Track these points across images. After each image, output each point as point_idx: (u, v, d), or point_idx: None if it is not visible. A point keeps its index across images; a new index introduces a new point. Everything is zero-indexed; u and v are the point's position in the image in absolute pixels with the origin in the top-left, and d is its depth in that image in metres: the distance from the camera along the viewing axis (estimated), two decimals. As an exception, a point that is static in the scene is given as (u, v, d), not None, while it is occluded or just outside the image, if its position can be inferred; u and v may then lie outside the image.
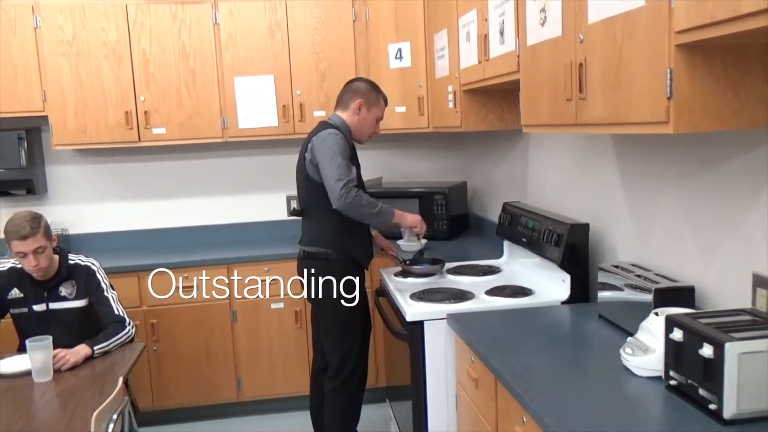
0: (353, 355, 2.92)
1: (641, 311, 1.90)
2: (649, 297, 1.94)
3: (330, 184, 2.72)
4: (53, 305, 2.77)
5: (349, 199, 2.69)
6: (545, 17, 2.08)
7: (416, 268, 3.06)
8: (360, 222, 2.89)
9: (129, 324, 2.73)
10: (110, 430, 2.01)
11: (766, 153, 1.69)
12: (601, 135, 2.54)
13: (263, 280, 3.69)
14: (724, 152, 1.85)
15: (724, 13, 1.24)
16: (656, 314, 1.77)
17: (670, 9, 1.43)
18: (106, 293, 2.80)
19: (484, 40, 2.67)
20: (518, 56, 2.34)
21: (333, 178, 2.70)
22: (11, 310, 2.80)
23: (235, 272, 3.70)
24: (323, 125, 2.89)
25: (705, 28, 1.32)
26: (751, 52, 1.47)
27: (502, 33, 2.48)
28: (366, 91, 2.93)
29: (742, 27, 1.22)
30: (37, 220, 2.65)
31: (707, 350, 1.44)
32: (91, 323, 2.75)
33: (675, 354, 1.58)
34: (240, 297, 3.71)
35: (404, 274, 3.06)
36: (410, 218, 2.96)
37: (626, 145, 2.38)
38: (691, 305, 1.91)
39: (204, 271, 3.65)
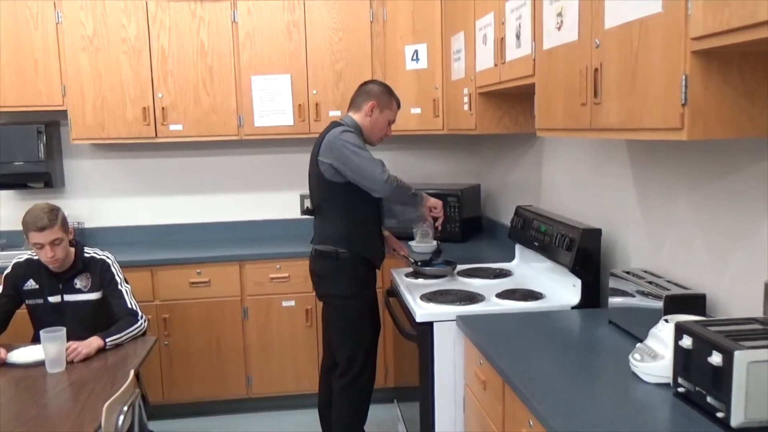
0: (362, 354, 2.93)
1: (651, 318, 1.89)
2: (659, 304, 1.93)
3: (368, 174, 2.75)
4: (68, 297, 2.80)
5: (393, 185, 2.76)
6: (562, 21, 2.08)
7: (428, 269, 3.07)
8: (371, 221, 2.90)
9: (141, 317, 2.76)
10: (121, 421, 2.03)
11: (781, 162, 1.68)
12: (615, 140, 2.53)
13: (275, 278, 3.73)
14: (739, 160, 1.84)
15: (741, 20, 1.24)
16: (666, 321, 1.76)
17: (687, 15, 1.43)
18: (120, 287, 2.83)
19: (500, 43, 2.68)
20: (534, 60, 2.34)
21: (369, 169, 2.74)
22: (27, 301, 2.84)
23: (248, 269, 3.72)
24: (335, 125, 2.91)
25: (721, 35, 1.32)
26: (768, 60, 1.46)
27: (518, 36, 2.49)
28: (379, 94, 2.94)
29: (759, 35, 1.22)
30: (54, 212, 2.69)
31: (716, 358, 1.44)
32: (105, 316, 2.79)
33: (684, 361, 1.58)
34: (251, 294, 3.74)
35: (415, 275, 3.06)
36: (432, 199, 2.99)
37: (640, 151, 2.37)
38: (702, 313, 1.90)
39: (217, 268, 3.69)
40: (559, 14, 2.09)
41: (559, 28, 2.10)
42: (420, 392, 2.55)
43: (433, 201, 2.97)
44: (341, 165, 2.77)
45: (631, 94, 1.68)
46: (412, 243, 3.61)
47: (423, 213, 2.99)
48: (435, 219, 2.99)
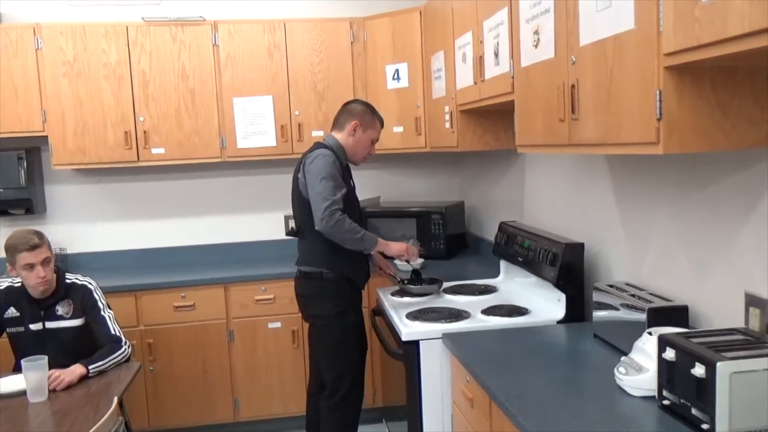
0: (349, 374, 2.91)
1: (635, 330, 1.90)
2: (643, 316, 1.94)
3: (314, 205, 2.74)
4: (49, 324, 2.77)
5: (331, 222, 2.70)
6: (538, 39, 2.10)
7: (414, 287, 3.06)
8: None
9: (125, 344, 2.73)
10: (104, 450, 2.00)
11: (756, 173, 1.71)
12: (595, 155, 2.56)
13: (260, 300, 3.71)
14: (716, 172, 1.86)
15: (711, 36, 1.27)
16: (650, 334, 1.77)
17: (659, 32, 1.45)
18: (102, 313, 2.80)
19: (479, 61, 2.70)
20: (512, 77, 2.36)
21: (318, 200, 2.72)
22: (7, 329, 2.80)
23: (232, 292, 3.70)
24: (317, 146, 2.91)
25: (692, 51, 1.35)
26: (740, 73, 1.49)
27: (497, 54, 2.52)
28: (361, 113, 2.95)
29: (729, 50, 1.24)
30: (40, 233, 2.72)
31: (699, 370, 1.44)
32: (87, 343, 2.75)
33: (668, 373, 1.58)
34: (237, 317, 3.71)
35: (401, 293, 3.06)
36: (395, 247, 2.93)
37: (620, 165, 2.40)
38: (685, 325, 1.91)
39: (201, 291, 3.67)
40: (536, 32, 2.12)
41: (536, 46, 2.13)
42: (408, 411, 2.54)
43: (396, 249, 2.93)
44: (304, 187, 2.80)
45: (608, 109, 1.70)
46: (397, 261, 3.60)
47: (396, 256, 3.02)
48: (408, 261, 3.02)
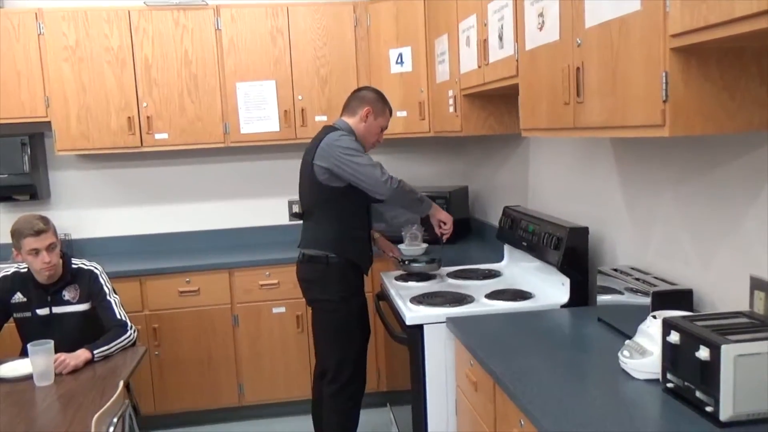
0: (350, 360, 2.92)
1: (640, 314, 1.90)
2: (647, 300, 1.94)
3: (369, 177, 2.75)
4: (56, 309, 2.78)
5: (395, 185, 2.77)
6: (543, 22, 2.09)
7: (414, 266, 3.09)
8: (361, 227, 2.90)
9: (131, 328, 2.74)
10: (110, 433, 2.02)
11: (762, 156, 1.70)
12: (600, 139, 2.55)
13: (264, 285, 3.72)
14: (722, 155, 1.85)
15: (718, 16, 1.25)
16: (654, 317, 1.77)
17: (665, 13, 1.44)
18: (108, 297, 2.81)
19: (483, 44, 2.69)
20: (517, 61, 2.35)
21: (368, 171, 2.75)
22: (14, 314, 2.81)
23: (237, 277, 3.71)
24: (330, 129, 2.91)
25: (699, 32, 1.33)
26: (747, 55, 1.47)
27: (501, 38, 2.50)
28: (374, 100, 2.95)
29: (736, 30, 1.23)
30: (45, 218, 2.72)
31: (704, 353, 1.44)
32: (94, 327, 2.76)
33: (672, 356, 1.58)
34: (241, 302, 3.73)
35: (405, 278, 3.07)
36: (444, 214, 2.99)
37: (625, 149, 2.39)
38: (690, 308, 1.91)
39: (206, 276, 3.68)
40: (541, 15, 2.10)
41: (540, 29, 2.11)
42: (412, 395, 2.55)
43: (444, 216, 2.97)
44: (340, 169, 2.77)
45: (613, 92, 1.69)
46: (401, 246, 3.61)
47: (432, 222, 3.00)
48: (442, 234, 3.01)
